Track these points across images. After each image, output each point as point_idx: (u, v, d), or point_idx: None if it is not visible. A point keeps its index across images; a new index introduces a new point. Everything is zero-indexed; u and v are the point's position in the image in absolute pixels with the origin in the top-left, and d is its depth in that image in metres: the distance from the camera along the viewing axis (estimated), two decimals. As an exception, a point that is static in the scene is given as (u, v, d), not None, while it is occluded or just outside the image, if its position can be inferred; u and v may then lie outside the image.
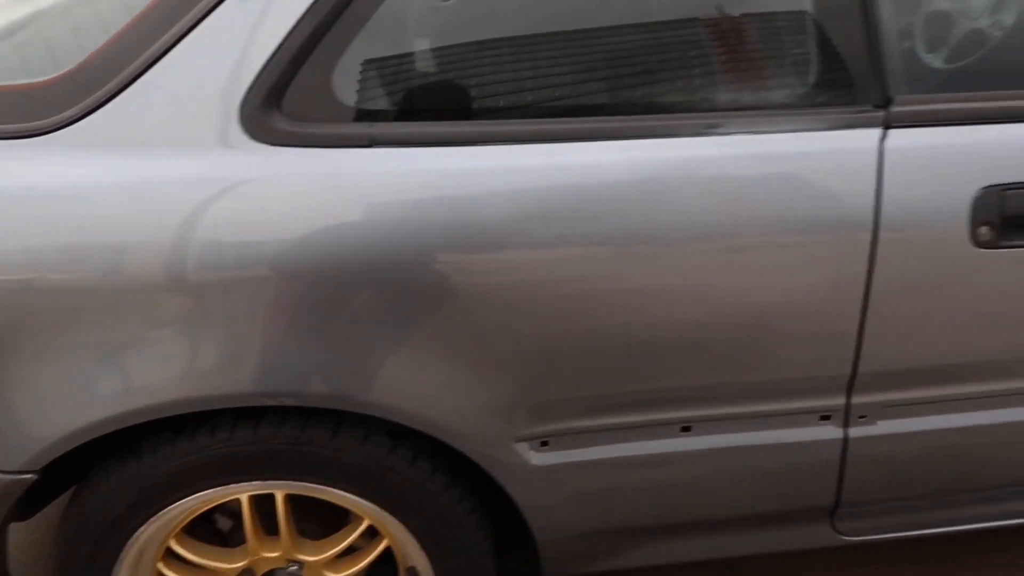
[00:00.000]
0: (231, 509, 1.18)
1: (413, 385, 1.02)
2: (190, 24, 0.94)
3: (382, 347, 1.00)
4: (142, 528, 1.09)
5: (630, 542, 1.23)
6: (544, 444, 1.10)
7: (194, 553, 1.17)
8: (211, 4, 0.94)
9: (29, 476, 1.01)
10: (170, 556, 1.17)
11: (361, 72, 0.98)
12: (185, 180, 0.92)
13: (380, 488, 1.10)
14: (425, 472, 1.10)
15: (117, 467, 1.04)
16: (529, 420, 1.07)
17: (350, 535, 1.18)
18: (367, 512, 1.14)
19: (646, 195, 0.96)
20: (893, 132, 0.98)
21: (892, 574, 1.56)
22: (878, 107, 0.99)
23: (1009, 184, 0.98)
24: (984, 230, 0.99)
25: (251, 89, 0.93)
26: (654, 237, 0.98)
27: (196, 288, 0.94)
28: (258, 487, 1.09)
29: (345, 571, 1.21)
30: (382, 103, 1.00)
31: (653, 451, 1.11)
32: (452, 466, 1.12)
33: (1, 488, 1.01)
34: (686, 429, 1.11)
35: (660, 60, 1.03)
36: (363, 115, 0.98)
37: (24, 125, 0.95)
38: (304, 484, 1.09)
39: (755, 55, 1.05)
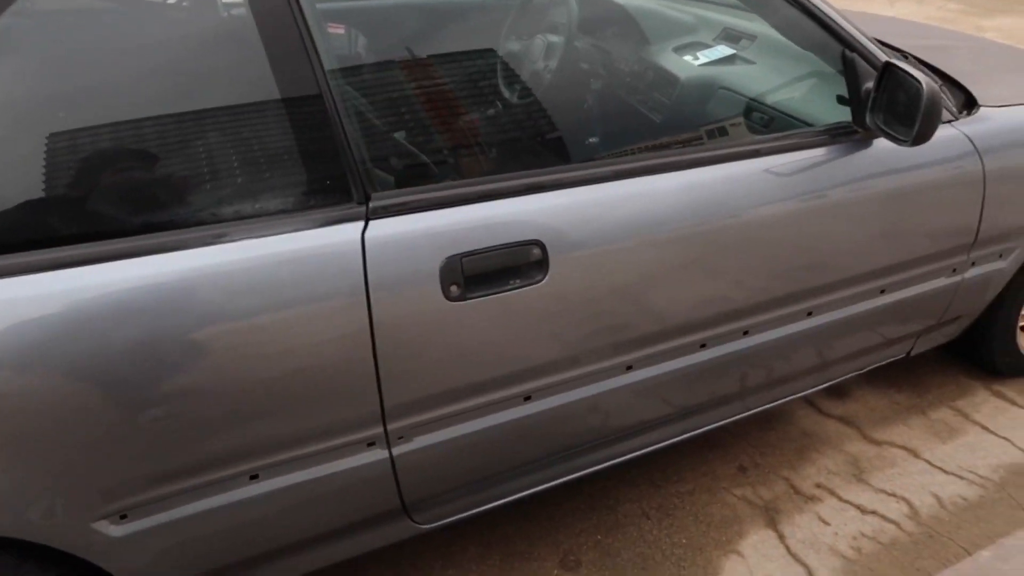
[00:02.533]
0: None
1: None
2: None
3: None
4: None
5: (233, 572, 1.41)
6: (123, 517, 1.23)
7: None
8: None
9: None
10: None
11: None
12: None
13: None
14: (9, 566, 1.18)
15: None
16: (102, 502, 1.19)
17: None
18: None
19: (168, 297, 1.12)
20: (373, 223, 1.23)
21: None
22: (360, 203, 1.24)
23: (465, 252, 1.28)
24: (453, 288, 1.28)
25: None
26: (185, 328, 1.14)
27: None
28: None
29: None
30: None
31: (228, 501, 1.29)
32: (40, 557, 1.21)
33: None
34: (254, 477, 1.30)
35: (169, 182, 1.19)
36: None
37: None
38: None
39: (257, 170, 1.23)
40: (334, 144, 1.22)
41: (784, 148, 1.60)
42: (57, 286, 1.07)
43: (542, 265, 1.34)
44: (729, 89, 1.96)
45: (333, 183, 1.23)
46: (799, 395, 2.01)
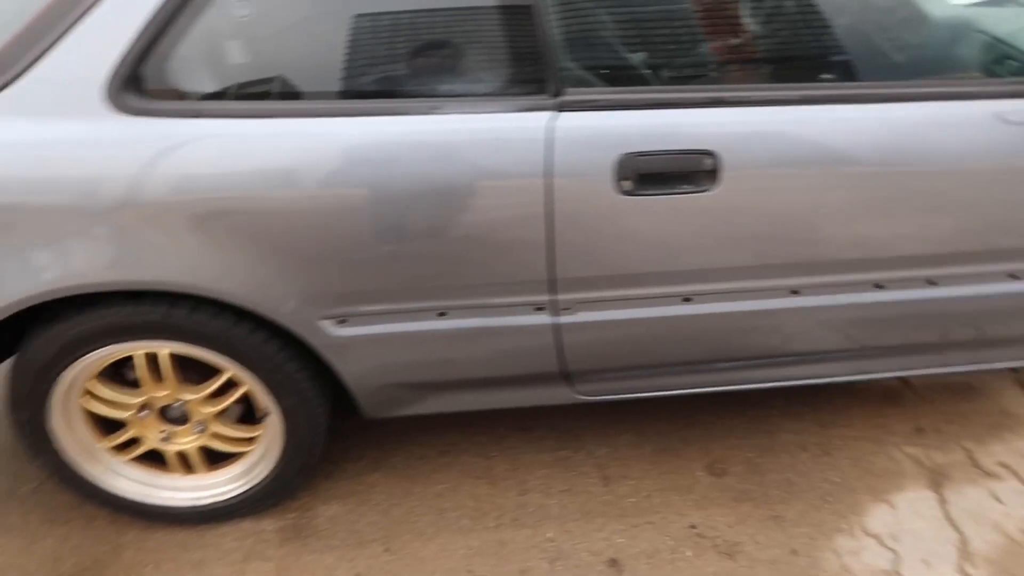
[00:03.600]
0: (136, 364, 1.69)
1: (246, 280, 1.49)
2: (73, 21, 1.36)
3: (225, 254, 1.46)
4: (64, 373, 1.60)
5: (416, 394, 1.74)
6: (342, 321, 1.58)
7: (106, 391, 1.68)
8: (88, 6, 1.36)
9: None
10: (89, 394, 1.69)
11: (190, 63, 1.42)
12: (68, 140, 1.38)
13: (231, 349, 1.60)
14: (261, 339, 1.60)
15: (44, 330, 1.54)
16: (328, 305, 1.55)
17: (216, 383, 1.69)
18: (226, 366, 1.65)
19: (388, 156, 1.41)
20: (562, 115, 1.42)
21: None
22: (553, 96, 1.43)
23: (640, 152, 1.43)
24: (625, 183, 1.44)
25: (113, 75, 1.37)
26: (403, 180, 1.43)
27: (93, 210, 1.39)
28: (144, 347, 1.60)
29: (214, 407, 1.73)
30: (206, 86, 1.44)
31: (415, 329, 1.60)
32: (283, 335, 1.61)
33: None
34: (442, 314, 1.59)
35: (402, 56, 1.47)
36: (193, 95, 1.42)
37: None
38: (178, 345, 1.59)
39: (472, 57, 1.47)
40: (537, 41, 1.41)
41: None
42: (335, 129, 1.42)
43: (712, 175, 1.45)
44: (985, 33, 1.83)
45: (533, 75, 1.44)
46: (1004, 366, 1.90)
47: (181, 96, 1.41)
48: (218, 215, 1.43)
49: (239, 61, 1.46)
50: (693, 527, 1.85)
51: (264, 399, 1.70)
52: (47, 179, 1.39)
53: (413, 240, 1.48)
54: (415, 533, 1.86)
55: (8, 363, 1.67)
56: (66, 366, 1.59)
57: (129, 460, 1.80)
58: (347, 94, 1.45)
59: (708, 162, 1.43)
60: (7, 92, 1.38)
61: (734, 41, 1.56)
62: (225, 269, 1.47)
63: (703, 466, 2.00)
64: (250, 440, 1.81)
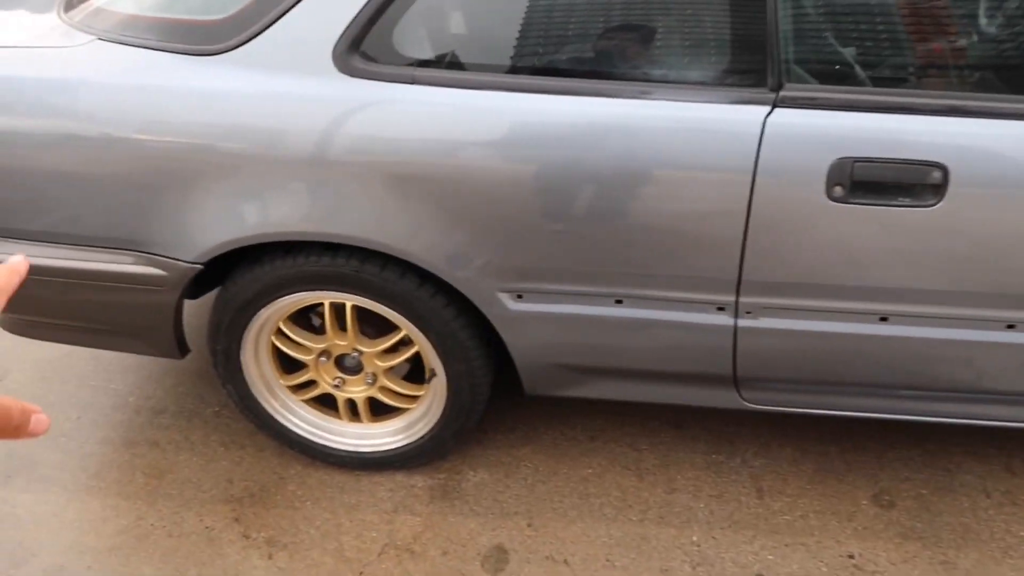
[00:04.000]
0: (322, 312, 1.79)
1: (435, 245, 1.53)
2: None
3: (422, 220, 1.51)
4: (261, 311, 1.71)
5: (582, 377, 1.74)
6: (519, 297, 1.60)
7: (294, 333, 1.79)
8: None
9: (198, 266, 1.63)
10: (279, 334, 1.80)
11: (412, 31, 1.45)
12: (294, 95, 1.45)
13: (411, 309, 1.66)
14: (441, 303, 1.64)
15: (248, 270, 1.65)
16: (509, 279, 1.57)
17: (392, 339, 1.76)
18: (404, 325, 1.71)
19: (592, 137, 1.40)
20: (778, 110, 1.35)
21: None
22: (771, 90, 1.36)
23: (859, 157, 1.33)
24: (837, 189, 1.35)
25: (340, 37, 1.43)
26: (601, 163, 1.41)
27: (308, 162, 1.48)
28: (333, 296, 1.68)
29: (387, 362, 1.81)
30: (425, 54, 1.47)
31: (591, 313, 1.59)
32: (461, 302, 1.65)
33: (182, 271, 1.64)
34: (619, 302, 1.57)
35: (615, 36, 1.44)
36: (410, 62, 1.46)
37: (204, 47, 1.50)
38: (363, 299, 1.66)
39: (685, 42, 1.42)
40: (762, 30, 1.34)
41: None
42: (540, 106, 1.42)
43: (938, 190, 1.33)
44: None
45: (752, 67, 1.37)
46: None
47: (399, 61, 1.45)
48: (417, 179, 1.47)
49: (458, 31, 1.49)
50: (851, 557, 1.75)
51: (433, 361, 1.75)
52: (272, 130, 1.47)
53: (604, 223, 1.46)
54: (558, 513, 1.87)
55: (210, 297, 1.81)
56: (263, 305, 1.70)
57: (303, 400, 1.91)
58: (557, 71, 1.44)
59: (936, 175, 1.32)
60: (246, 47, 1.47)
61: (975, 44, 1.42)
62: (416, 232, 1.52)
63: (869, 495, 1.88)
64: (414, 398, 1.88)
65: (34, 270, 1.82)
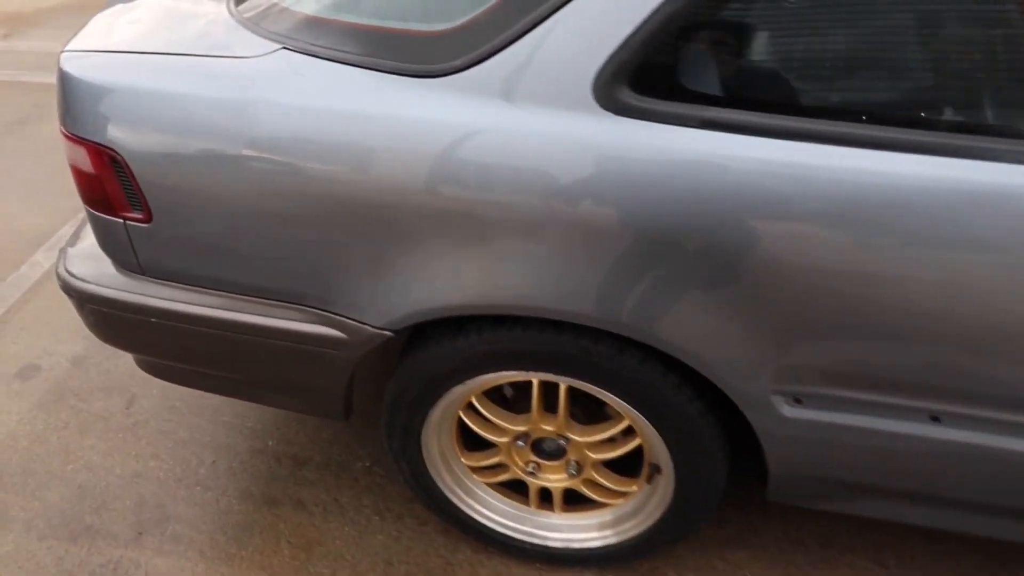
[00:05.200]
0: (517, 384, 1.46)
1: (703, 334, 1.18)
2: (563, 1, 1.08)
3: (686, 300, 1.16)
4: (456, 388, 1.39)
5: (852, 494, 1.36)
6: (798, 401, 1.23)
7: (489, 411, 1.47)
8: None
9: (388, 334, 1.32)
10: (469, 409, 1.48)
11: (704, 59, 1.08)
12: (538, 134, 1.11)
13: (644, 401, 1.31)
14: (686, 397, 1.29)
15: (448, 341, 1.33)
16: (790, 380, 1.20)
17: (612, 429, 1.42)
18: (630, 415, 1.36)
19: (945, 212, 1.01)
20: None
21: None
22: None
23: None
24: None
25: (606, 64, 1.07)
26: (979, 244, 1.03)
27: (553, 219, 1.14)
28: (550, 377, 1.34)
29: (600, 454, 1.47)
30: (720, 89, 1.10)
31: (899, 430, 1.21)
32: (712, 396, 1.30)
33: (367, 336, 1.33)
34: (936, 419, 1.19)
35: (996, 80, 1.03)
36: (700, 98, 1.09)
37: (422, 66, 1.17)
38: (584, 383, 1.33)
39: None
40: None
41: None
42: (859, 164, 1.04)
43: None
44: None
45: None
46: None
47: (685, 97, 1.09)
48: (695, 251, 1.11)
49: (769, 60, 1.11)
50: None
51: (660, 457, 1.41)
52: (508, 177, 1.13)
53: (943, 323, 1.08)
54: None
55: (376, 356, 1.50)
56: (461, 381, 1.38)
57: (486, 483, 1.60)
58: (914, 121, 1.05)
59: None
60: (477, 69, 1.13)
61: None
62: (677, 314, 1.17)
63: None
64: (622, 493, 1.54)
65: (190, 319, 1.57)
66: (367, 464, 1.92)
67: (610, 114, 1.09)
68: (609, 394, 1.33)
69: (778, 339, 1.16)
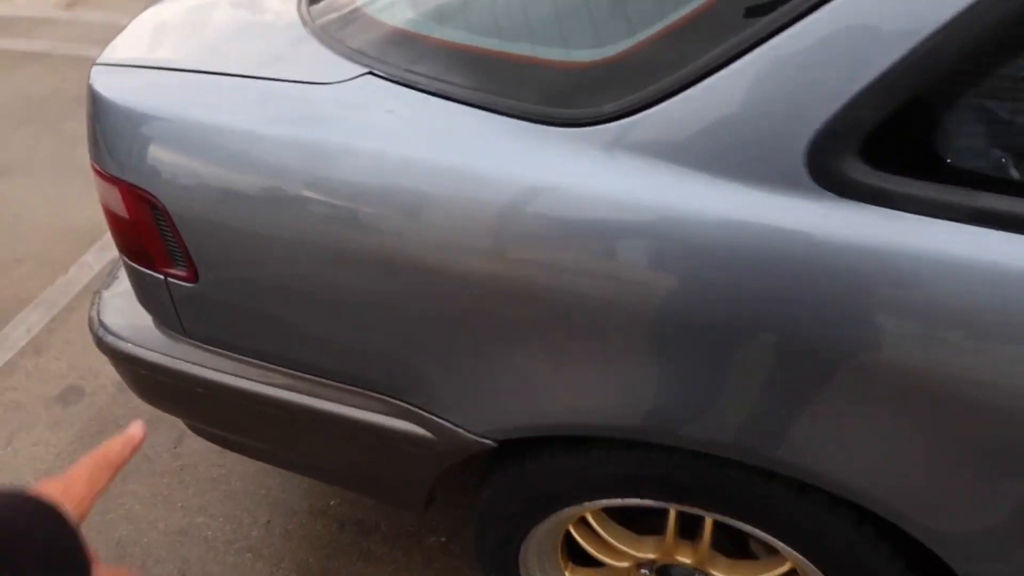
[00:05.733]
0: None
1: (906, 486, 0.86)
2: (770, 29, 0.75)
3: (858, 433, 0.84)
4: (568, 508, 1.09)
5: None
6: None
7: (605, 530, 1.17)
8: (804, 6, 0.74)
9: (489, 443, 1.03)
10: (581, 523, 1.19)
11: (979, 124, 0.74)
12: (719, 219, 0.78)
13: (813, 543, 1.00)
14: (868, 539, 0.97)
15: (562, 457, 1.03)
16: None
17: (770, 570, 1.11)
18: (790, 556, 1.05)
19: None
20: None
21: None
22: None
23: None
24: None
25: (825, 128, 0.74)
26: None
27: (687, 336, 0.83)
28: (691, 509, 1.04)
29: (747, 594, 1.16)
30: (998, 166, 0.76)
31: None
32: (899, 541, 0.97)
33: (465, 443, 1.04)
34: None
35: None
36: (972, 179, 0.75)
37: (557, 110, 0.85)
38: (739, 522, 1.02)
39: None
40: None
41: None
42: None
43: None
44: None
45: None
46: None
47: (936, 175, 0.75)
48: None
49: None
50: None
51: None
52: (693, 274, 0.82)
53: None
54: None
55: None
56: (574, 503, 1.08)
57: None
58: None
59: None
60: (637, 119, 0.81)
61: None
62: (868, 463, 0.85)
63: None
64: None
65: (241, 395, 1.31)
66: (442, 540, 1.65)
67: (832, 196, 0.76)
68: (774, 536, 1.01)
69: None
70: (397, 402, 1.06)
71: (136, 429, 0.52)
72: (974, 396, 0.77)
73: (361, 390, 1.07)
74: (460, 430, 1.03)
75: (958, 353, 0.75)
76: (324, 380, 1.09)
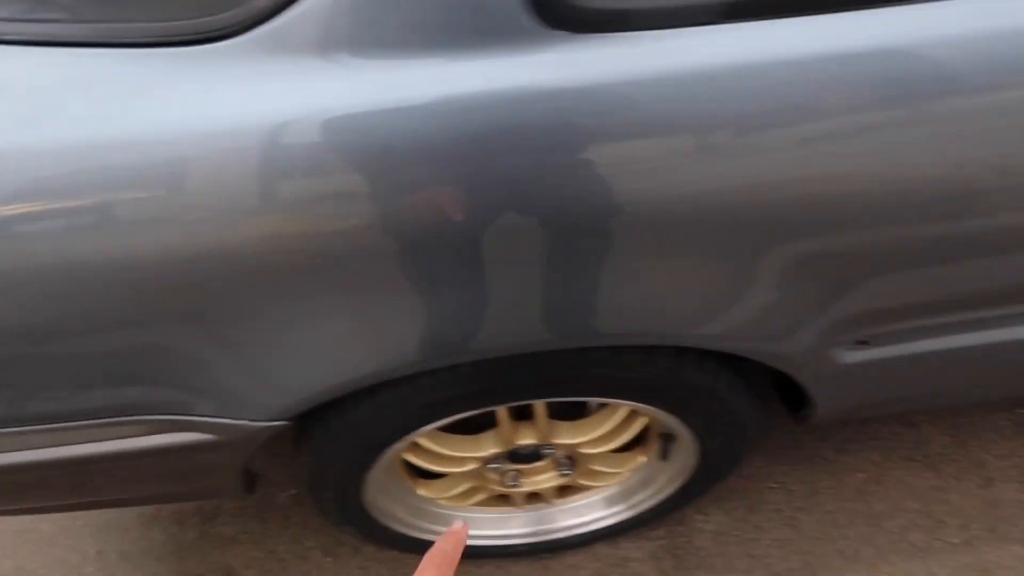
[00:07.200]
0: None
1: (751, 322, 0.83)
2: None
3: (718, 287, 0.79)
4: (394, 445, 0.99)
5: (898, 404, 1.11)
6: (862, 343, 0.92)
7: (440, 445, 1.09)
8: None
9: (283, 423, 0.89)
10: (415, 448, 1.10)
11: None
12: (451, 93, 0.64)
13: (657, 395, 0.97)
14: (725, 383, 0.95)
15: (370, 400, 0.91)
16: (853, 328, 0.88)
17: (610, 420, 1.08)
18: (626, 403, 1.02)
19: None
20: None
21: None
22: None
23: None
24: None
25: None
26: None
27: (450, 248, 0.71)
28: (516, 403, 0.96)
29: (600, 448, 1.13)
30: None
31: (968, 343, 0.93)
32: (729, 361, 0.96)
33: (256, 432, 0.89)
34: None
35: None
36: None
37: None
38: (567, 398, 0.96)
39: None
40: None
41: None
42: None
43: None
44: None
45: None
46: None
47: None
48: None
49: None
50: None
51: (673, 428, 1.09)
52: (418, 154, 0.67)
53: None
54: (846, 557, 1.32)
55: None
56: (403, 437, 0.98)
57: (458, 506, 1.26)
58: None
59: None
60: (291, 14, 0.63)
61: None
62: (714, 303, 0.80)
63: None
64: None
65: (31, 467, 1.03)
66: (293, 492, 1.53)
67: (565, 33, 0.63)
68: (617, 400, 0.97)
69: (851, 292, 0.82)
70: (164, 417, 0.88)
71: (459, 524, 0.50)
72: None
73: (126, 418, 0.88)
74: (242, 422, 0.87)
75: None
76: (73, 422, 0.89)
